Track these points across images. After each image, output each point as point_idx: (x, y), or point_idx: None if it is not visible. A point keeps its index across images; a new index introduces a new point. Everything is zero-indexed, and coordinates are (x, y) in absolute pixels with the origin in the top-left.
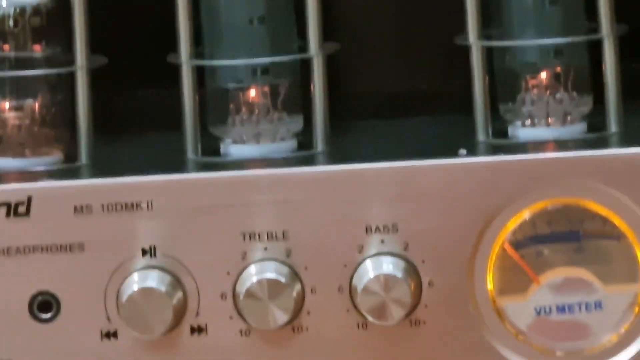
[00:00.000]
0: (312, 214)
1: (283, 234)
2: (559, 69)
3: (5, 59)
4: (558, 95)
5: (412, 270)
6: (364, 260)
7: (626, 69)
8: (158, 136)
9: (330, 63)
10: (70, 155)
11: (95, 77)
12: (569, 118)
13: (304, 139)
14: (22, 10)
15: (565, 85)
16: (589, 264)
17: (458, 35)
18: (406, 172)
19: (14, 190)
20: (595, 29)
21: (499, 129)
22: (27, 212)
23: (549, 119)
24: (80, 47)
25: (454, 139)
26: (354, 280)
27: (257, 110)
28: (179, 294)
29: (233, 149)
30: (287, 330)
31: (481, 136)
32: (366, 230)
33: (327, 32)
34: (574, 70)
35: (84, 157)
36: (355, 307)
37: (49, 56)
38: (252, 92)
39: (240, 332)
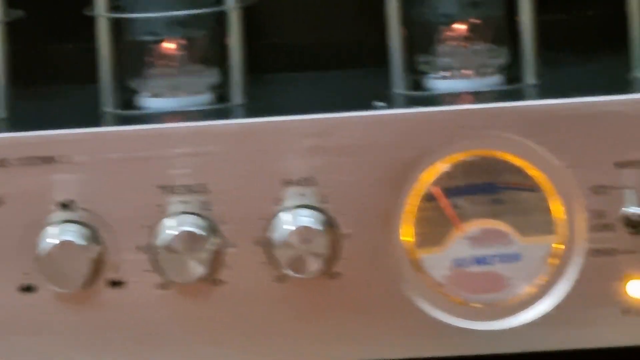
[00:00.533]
0: (230, 167)
1: (201, 187)
2: (475, 20)
3: None
4: (474, 47)
5: (329, 223)
6: (281, 212)
7: (542, 21)
8: (76, 90)
9: (248, 15)
10: None
11: (13, 31)
12: (485, 70)
13: (222, 92)
14: None
15: (481, 37)
16: (505, 216)
17: None
18: (324, 125)
19: None
20: None
21: (416, 81)
22: None
23: (465, 70)
24: None
25: (371, 91)
26: (272, 233)
27: (173, 63)
28: (97, 248)
29: (150, 102)
30: (205, 283)
31: (398, 88)
32: (284, 183)
33: None
34: (491, 21)
35: (2, 111)
36: (273, 260)
37: None
38: (169, 45)
39: (158, 285)
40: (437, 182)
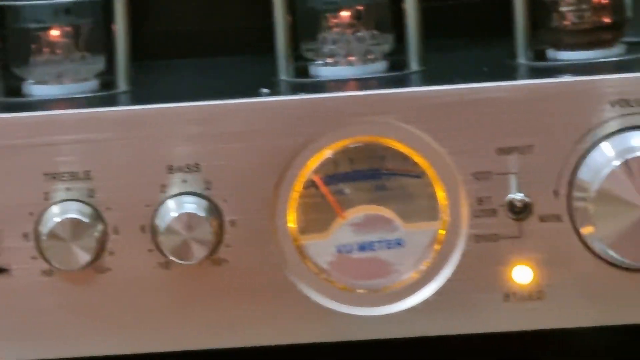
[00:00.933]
0: (115, 154)
1: (85, 174)
2: (359, 7)
3: None
4: (359, 34)
5: (214, 210)
6: (166, 199)
7: (427, 7)
8: None
9: (134, 2)
10: None
11: None
12: (370, 56)
13: (107, 79)
14: None
15: (365, 24)
16: (389, 202)
17: None
18: (208, 112)
19: None
20: None
21: (301, 68)
22: None
23: (350, 57)
24: None
25: (257, 78)
26: (157, 220)
27: (59, 51)
28: None
29: (35, 89)
30: (90, 270)
31: (283, 75)
32: (168, 170)
33: None
34: (375, 8)
35: None
36: (157, 246)
37: None
38: (54, 33)
39: (43, 272)
40: (320, 169)
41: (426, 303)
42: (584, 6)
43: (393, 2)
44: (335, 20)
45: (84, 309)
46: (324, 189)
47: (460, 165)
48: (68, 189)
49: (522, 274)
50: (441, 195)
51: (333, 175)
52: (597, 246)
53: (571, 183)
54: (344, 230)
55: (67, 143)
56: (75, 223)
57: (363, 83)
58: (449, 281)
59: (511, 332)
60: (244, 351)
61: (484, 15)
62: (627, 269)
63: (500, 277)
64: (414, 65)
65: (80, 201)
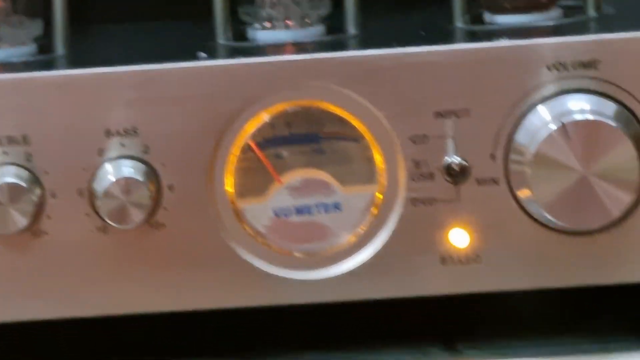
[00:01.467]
0: (53, 118)
1: (23, 138)
2: None
3: None
4: None
5: (152, 174)
6: (103, 163)
7: None
8: None
9: None
10: None
11: None
12: (307, 20)
13: (45, 43)
14: None
15: None
16: (327, 166)
17: None
18: (146, 76)
19: None
20: None
21: (239, 32)
22: None
23: (288, 21)
24: None
25: (195, 42)
26: (94, 184)
27: None
28: None
29: None
30: (27, 234)
31: (221, 39)
32: (106, 134)
33: None
34: None
35: None
36: (95, 210)
37: None
38: None
39: None
40: (257, 133)
41: (363, 266)
42: None
43: None
44: None
45: (20, 273)
46: (259, 153)
47: (398, 129)
48: (5, 153)
49: (459, 237)
50: (379, 159)
51: (271, 139)
52: (534, 209)
53: (508, 146)
54: (281, 194)
55: (4, 107)
56: (13, 187)
57: (301, 47)
58: (386, 245)
59: (448, 295)
60: (182, 315)
61: None
62: (563, 232)
63: (437, 240)
64: (351, 29)
65: (17, 165)
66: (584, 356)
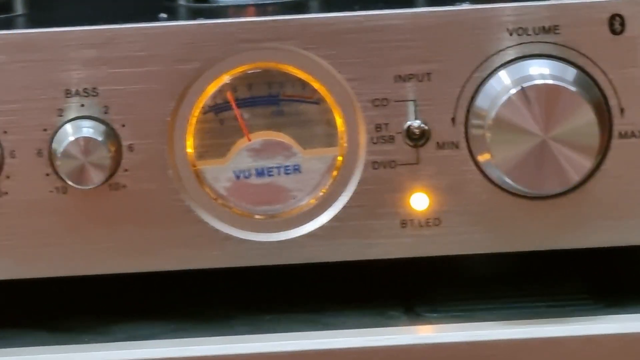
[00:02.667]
0: (11, 77)
1: None
2: None
3: None
4: None
5: (112, 134)
6: (63, 124)
7: None
8: None
9: None
10: None
11: None
12: None
13: (4, 2)
14: None
15: None
16: (288, 128)
17: None
18: (106, 36)
19: None
20: None
21: None
22: None
23: None
24: None
25: (155, 2)
26: (54, 144)
27: None
28: None
29: None
30: None
31: (182, 0)
32: (66, 94)
33: None
34: None
35: None
36: (55, 171)
37: None
38: None
39: None
40: (217, 94)
41: (323, 229)
42: None
43: None
44: None
45: None
46: (222, 113)
47: (359, 92)
48: None
49: (419, 201)
50: (339, 121)
51: (230, 100)
52: (494, 173)
53: (469, 110)
54: (241, 156)
55: None
56: None
57: (262, 9)
58: (346, 207)
59: (408, 258)
60: (141, 276)
61: None
62: (523, 197)
63: (397, 203)
64: None
65: None
66: (542, 319)
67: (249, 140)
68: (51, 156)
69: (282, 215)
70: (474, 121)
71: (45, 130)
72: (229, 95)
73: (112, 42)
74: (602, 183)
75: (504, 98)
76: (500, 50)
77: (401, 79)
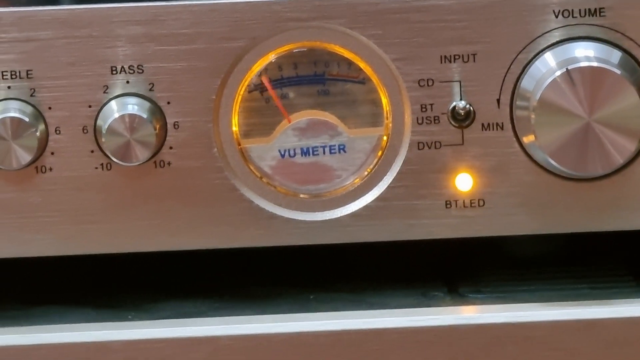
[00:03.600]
0: (57, 53)
1: (27, 73)
2: None
3: None
4: None
5: (157, 111)
6: (109, 101)
7: None
8: None
9: None
10: None
11: None
12: None
13: None
14: None
15: None
16: (333, 107)
17: None
18: (152, 13)
19: None
20: None
21: None
22: None
23: None
24: None
25: None
26: (99, 121)
27: None
28: None
29: None
30: (30, 170)
31: None
32: (111, 71)
33: None
34: None
35: None
36: (100, 147)
37: None
38: None
39: None
40: (264, 73)
41: (368, 209)
42: None
43: None
44: None
45: (23, 209)
46: (270, 92)
47: (404, 72)
48: (9, 88)
49: (464, 182)
50: (385, 101)
51: (276, 79)
52: (538, 155)
53: (514, 92)
54: (287, 135)
55: (6, 41)
56: (16, 122)
57: None
58: (391, 187)
59: (451, 239)
60: (186, 254)
61: None
62: (567, 179)
63: (441, 184)
64: None
65: (21, 100)
66: (584, 301)
67: (289, 121)
68: (96, 133)
69: (327, 194)
70: (519, 102)
71: (90, 106)
72: (265, 80)
73: (158, 19)
74: None
75: (549, 80)
76: (546, 32)
77: (447, 59)
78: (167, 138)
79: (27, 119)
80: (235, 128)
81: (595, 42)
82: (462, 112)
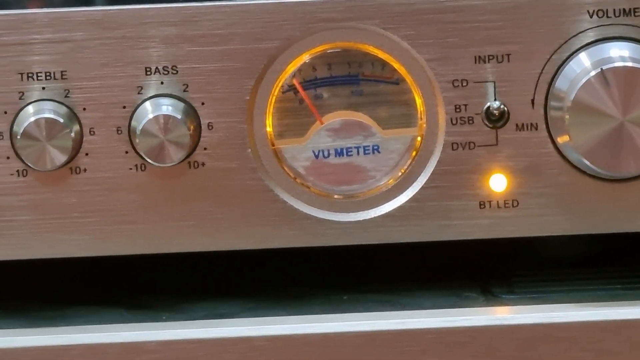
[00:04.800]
0: (91, 54)
1: (61, 74)
2: None
3: None
4: None
5: (191, 112)
6: (143, 101)
7: None
8: None
9: None
10: None
11: None
12: None
13: None
14: None
15: None
16: (367, 108)
17: None
18: (186, 13)
19: None
20: None
21: None
22: None
23: None
24: None
25: None
26: (133, 122)
27: None
28: None
29: None
30: (64, 171)
31: None
32: (145, 72)
33: None
34: None
35: None
36: (134, 148)
37: None
38: None
39: (18, 172)
40: (297, 73)
41: (401, 209)
42: None
43: None
44: None
45: (57, 210)
46: (303, 92)
47: (438, 72)
48: (43, 89)
49: (498, 182)
50: (419, 102)
51: (311, 80)
52: (572, 155)
53: (548, 92)
54: (320, 136)
55: (41, 42)
56: (51, 123)
57: None
58: (425, 188)
59: (485, 240)
60: (219, 255)
61: None
62: (601, 179)
63: (475, 184)
64: None
65: (55, 101)
66: (618, 301)
67: (322, 123)
68: (130, 134)
69: (361, 195)
70: (553, 103)
71: (124, 107)
72: (296, 81)
73: (192, 20)
74: None
75: (583, 80)
76: (580, 32)
77: (481, 59)
78: (201, 139)
79: (61, 120)
80: (269, 129)
81: (630, 42)
82: (496, 112)
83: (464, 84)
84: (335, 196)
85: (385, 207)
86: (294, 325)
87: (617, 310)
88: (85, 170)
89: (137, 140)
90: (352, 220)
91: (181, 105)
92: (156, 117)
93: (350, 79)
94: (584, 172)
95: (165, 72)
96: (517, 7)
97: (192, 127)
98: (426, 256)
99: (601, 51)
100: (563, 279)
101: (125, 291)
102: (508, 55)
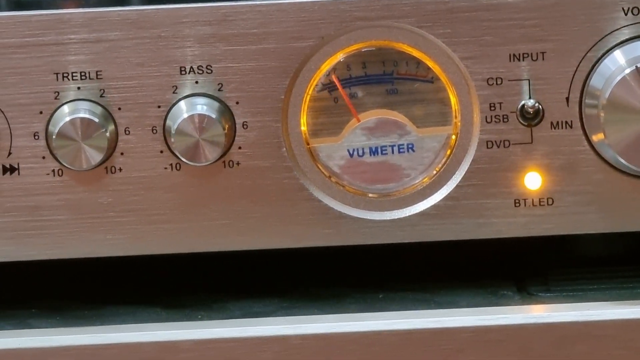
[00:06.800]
0: (126, 54)
1: (96, 73)
2: None
3: None
4: None
5: (226, 111)
6: (178, 101)
7: None
8: None
9: None
10: None
11: None
12: None
13: None
14: None
15: None
16: (402, 106)
17: None
18: (221, 13)
19: None
20: None
21: None
22: None
23: None
24: None
25: None
26: (168, 121)
27: None
28: None
29: None
30: (100, 170)
31: None
32: (180, 71)
33: None
34: None
35: None
36: (169, 148)
37: None
38: None
39: (53, 172)
40: (333, 72)
41: (436, 208)
42: None
43: None
44: None
45: (93, 209)
46: (339, 91)
47: (473, 70)
48: (79, 88)
49: (533, 180)
50: (453, 100)
51: (346, 79)
52: (607, 153)
53: (583, 90)
54: (355, 134)
55: (76, 42)
56: (86, 122)
57: None
58: (460, 186)
59: (520, 238)
60: (254, 254)
61: None
62: (636, 176)
63: (510, 182)
64: None
65: (90, 101)
66: None
67: (358, 121)
68: (165, 133)
69: (396, 193)
70: (588, 101)
71: (159, 107)
72: (334, 78)
73: (226, 19)
74: None
75: (619, 78)
76: (615, 30)
77: (516, 57)
78: (236, 138)
79: (96, 120)
80: (304, 127)
81: None
82: (531, 110)
83: (499, 82)
84: (370, 195)
85: (420, 206)
86: (330, 324)
87: None
88: (120, 169)
89: (172, 140)
90: (387, 218)
91: (216, 104)
92: (191, 117)
93: (384, 77)
94: (619, 170)
95: (200, 72)
96: (552, 5)
97: (227, 126)
98: (461, 254)
99: (636, 49)
100: (599, 277)
101: (161, 290)
102: (543, 53)
